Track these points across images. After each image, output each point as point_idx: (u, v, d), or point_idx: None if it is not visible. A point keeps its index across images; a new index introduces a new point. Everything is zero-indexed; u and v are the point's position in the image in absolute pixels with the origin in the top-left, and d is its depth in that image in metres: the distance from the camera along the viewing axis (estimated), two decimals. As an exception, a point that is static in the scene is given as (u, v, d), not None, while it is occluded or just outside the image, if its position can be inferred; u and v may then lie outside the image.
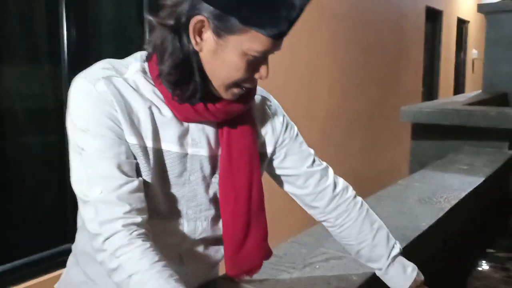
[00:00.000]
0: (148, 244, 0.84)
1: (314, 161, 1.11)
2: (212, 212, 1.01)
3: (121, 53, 1.05)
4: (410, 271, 1.15)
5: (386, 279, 1.16)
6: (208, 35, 0.85)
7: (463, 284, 2.00)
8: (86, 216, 0.86)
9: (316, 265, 1.29)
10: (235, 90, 0.91)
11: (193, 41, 0.85)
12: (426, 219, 1.71)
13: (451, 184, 2.24)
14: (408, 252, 1.25)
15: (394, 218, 1.72)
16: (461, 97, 4.44)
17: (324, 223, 1.16)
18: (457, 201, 1.98)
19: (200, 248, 1.03)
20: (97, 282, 1.01)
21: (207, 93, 0.91)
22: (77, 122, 0.87)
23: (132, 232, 0.84)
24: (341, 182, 1.14)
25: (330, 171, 1.14)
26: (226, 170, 0.98)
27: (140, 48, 0.97)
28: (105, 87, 0.86)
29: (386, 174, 5.60)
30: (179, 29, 0.86)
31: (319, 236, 1.47)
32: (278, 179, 1.12)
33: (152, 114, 0.90)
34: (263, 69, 0.90)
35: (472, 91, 10.07)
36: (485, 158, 2.92)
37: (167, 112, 0.91)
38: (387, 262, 1.14)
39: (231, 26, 0.82)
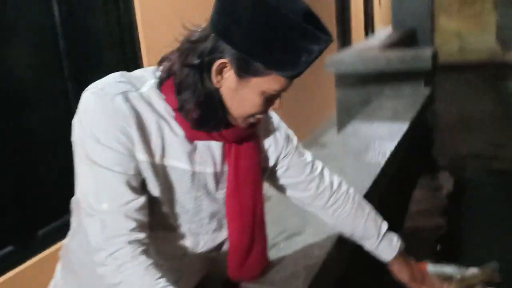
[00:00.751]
0: (150, 261, 0.89)
1: (313, 166, 1.19)
2: (213, 226, 1.06)
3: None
4: (395, 242, 1.29)
5: (375, 253, 1.29)
6: (229, 74, 0.88)
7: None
8: (90, 228, 0.89)
9: (280, 244, 1.39)
10: (251, 120, 0.96)
11: (214, 80, 0.88)
12: (366, 179, 1.86)
13: (381, 135, 2.42)
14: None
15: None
16: (376, 40, 4.64)
17: (320, 216, 1.26)
18: (389, 152, 2.16)
19: (200, 260, 1.09)
20: None
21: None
22: (90, 134, 0.87)
23: (136, 249, 0.88)
24: (335, 179, 1.24)
25: (326, 171, 1.22)
26: (233, 188, 1.03)
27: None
28: (122, 103, 0.88)
29: (314, 122, 5.83)
30: (202, 68, 0.88)
31: (274, 214, 1.56)
32: (279, 188, 1.20)
33: (163, 131, 0.93)
34: (276, 102, 0.95)
35: (381, 24, 10.49)
36: (406, 100, 3.15)
37: (178, 130, 0.94)
38: (378, 240, 1.27)
39: (254, 69, 0.86)
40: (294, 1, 0.85)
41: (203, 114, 0.91)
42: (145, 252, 0.90)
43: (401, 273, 1.29)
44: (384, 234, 1.28)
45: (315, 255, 1.33)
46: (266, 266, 1.21)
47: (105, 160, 0.87)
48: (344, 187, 1.25)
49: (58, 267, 1.15)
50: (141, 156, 0.90)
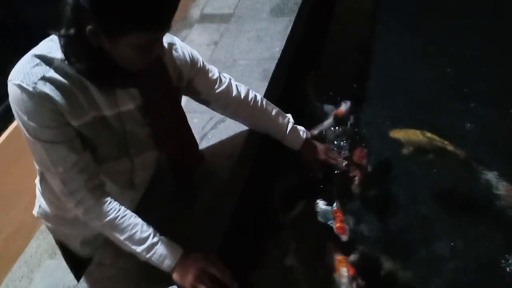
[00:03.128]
0: (109, 199, 1.20)
1: (220, 81, 1.43)
2: (150, 145, 1.32)
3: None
4: (301, 134, 1.64)
5: (285, 144, 1.64)
6: (101, 37, 1.02)
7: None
8: (55, 187, 1.18)
9: (208, 135, 1.72)
10: (142, 67, 1.11)
11: (93, 43, 1.03)
12: (277, 41, 2.10)
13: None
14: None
15: (255, 49, 2.11)
16: None
17: (235, 120, 1.58)
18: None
19: (147, 169, 1.41)
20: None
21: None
22: (29, 121, 1.07)
23: (95, 193, 1.18)
24: (243, 89, 1.50)
25: (233, 82, 1.48)
26: (154, 115, 1.27)
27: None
28: (43, 87, 1.05)
29: None
30: (81, 35, 1.02)
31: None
32: (197, 101, 1.47)
33: (83, 92, 1.12)
34: (157, 49, 1.08)
35: None
36: None
37: (94, 88, 1.13)
38: (286, 135, 1.61)
39: (115, 31, 1.00)
40: None
41: (98, 72, 1.09)
42: (103, 193, 1.21)
43: (308, 156, 1.68)
44: (291, 129, 1.62)
45: (237, 142, 1.68)
46: (200, 160, 1.55)
47: (48, 137, 1.10)
48: (251, 94, 1.53)
49: (37, 191, 1.47)
50: (74, 122, 1.13)
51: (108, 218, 1.19)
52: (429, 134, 1.85)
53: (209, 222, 1.44)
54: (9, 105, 1.10)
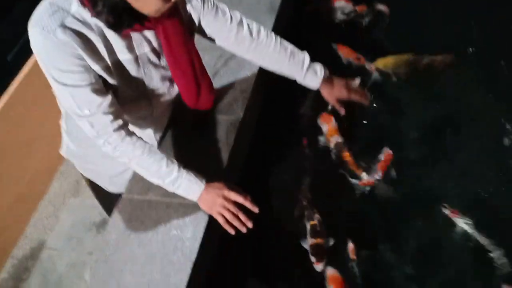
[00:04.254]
0: (135, 137, 1.28)
1: (231, 20, 1.44)
2: (166, 86, 1.39)
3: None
4: (319, 71, 1.57)
5: (304, 85, 1.60)
6: None
7: None
8: (84, 128, 1.25)
9: (220, 72, 1.77)
10: (161, 11, 1.15)
11: None
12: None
13: None
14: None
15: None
16: None
17: (249, 60, 1.54)
18: None
19: (166, 109, 1.49)
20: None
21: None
22: (52, 67, 1.13)
23: (121, 132, 1.26)
24: (255, 26, 1.50)
25: (244, 20, 1.47)
26: (169, 55, 1.32)
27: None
28: (63, 34, 1.10)
29: None
30: None
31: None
32: (208, 39, 1.48)
33: (101, 37, 1.18)
34: None
35: None
36: None
37: (110, 32, 1.19)
38: (303, 73, 1.55)
39: None
40: None
41: (116, 18, 1.14)
42: (128, 132, 1.29)
43: (328, 95, 1.63)
44: (308, 67, 1.57)
45: (247, 76, 1.73)
46: (215, 97, 1.61)
47: (72, 81, 1.17)
48: (263, 32, 1.53)
49: (63, 132, 1.54)
50: (95, 66, 1.19)
51: (135, 154, 1.28)
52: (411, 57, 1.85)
53: (227, 155, 1.52)
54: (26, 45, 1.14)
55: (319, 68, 1.58)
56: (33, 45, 1.13)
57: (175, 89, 1.44)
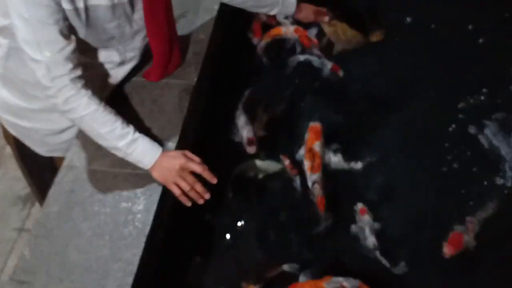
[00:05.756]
0: (90, 92, 1.16)
1: None
2: (138, 44, 1.32)
3: None
4: None
5: (283, 13, 1.66)
6: None
7: None
8: (37, 72, 1.12)
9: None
10: None
11: None
12: None
13: None
14: None
15: None
16: None
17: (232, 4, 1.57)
18: None
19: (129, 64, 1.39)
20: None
21: None
22: None
23: (77, 83, 1.14)
24: None
25: None
26: (148, 10, 1.23)
27: None
28: None
29: None
30: None
31: None
32: None
33: None
34: None
35: None
36: None
37: None
38: (281, 3, 1.59)
39: None
40: None
41: None
42: (85, 85, 1.16)
43: (306, 15, 1.70)
44: None
45: (201, 39, 1.62)
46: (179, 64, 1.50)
47: (40, 17, 1.05)
48: None
49: None
50: (67, 5, 1.09)
51: (89, 110, 1.16)
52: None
53: (181, 122, 1.41)
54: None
55: None
56: None
57: (141, 49, 1.36)
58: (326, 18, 1.74)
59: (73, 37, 1.14)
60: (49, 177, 1.31)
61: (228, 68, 1.77)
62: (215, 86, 1.69)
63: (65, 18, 1.11)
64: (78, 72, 1.15)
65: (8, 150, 1.65)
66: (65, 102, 1.14)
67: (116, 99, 1.41)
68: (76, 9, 1.11)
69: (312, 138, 1.50)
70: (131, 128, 1.21)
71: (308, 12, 1.71)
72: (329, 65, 1.74)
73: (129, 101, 1.45)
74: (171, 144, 1.35)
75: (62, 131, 1.40)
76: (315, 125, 1.53)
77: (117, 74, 1.39)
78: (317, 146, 1.48)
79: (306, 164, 1.47)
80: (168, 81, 1.49)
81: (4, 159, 2.28)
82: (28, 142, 1.46)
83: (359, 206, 1.45)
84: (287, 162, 1.54)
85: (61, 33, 1.09)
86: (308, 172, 1.46)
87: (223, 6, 1.70)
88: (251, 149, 1.56)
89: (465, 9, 1.96)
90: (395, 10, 1.98)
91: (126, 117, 1.24)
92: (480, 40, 1.89)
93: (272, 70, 1.81)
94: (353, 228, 1.43)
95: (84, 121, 1.17)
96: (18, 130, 1.43)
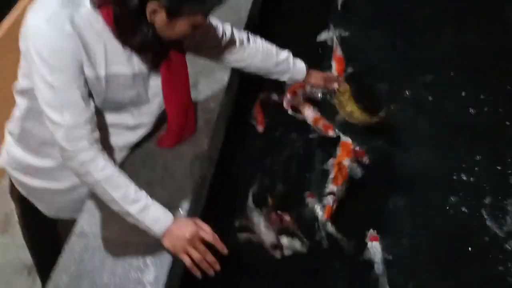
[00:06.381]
0: (106, 155, 1.18)
1: (223, 30, 1.42)
2: (153, 110, 1.34)
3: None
4: (302, 62, 1.65)
5: (291, 77, 1.65)
6: (160, 15, 1.06)
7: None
8: (57, 134, 1.13)
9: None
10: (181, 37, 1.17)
11: (148, 18, 1.06)
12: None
13: None
14: None
15: None
16: None
17: (240, 68, 1.57)
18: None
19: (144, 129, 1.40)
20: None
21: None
22: (47, 60, 1.05)
23: (95, 147, 1.16)
24: (244, 35, 1.49)
25: (234, 31, 1.47)
26: (167, 81, 1.28)
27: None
28: (71, 29, 1.06)
29: None
30: (138, 8, 1.05)
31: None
32: (197, 54, 1.46)
33: (103, 45, 1.13)
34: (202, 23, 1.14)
35: None
36: None
37: (115, 42, 1.14)
38: (291, 70, 1.62)
39: (181, 13, 1.06)
40: None
41: (141, 43, 1.13)
42: (101, 147, 1.18)
43: (316, 80, 1.72)
44: (294, 61, 1.63)
45: (211, 109, 1.66)
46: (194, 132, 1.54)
47: (62, 81, 1.08)
48: (251, 38, 1.54)
49: (8, 138, 1.36)
50: (89, 72, 1.13)
51: (105, 173, 1.16)
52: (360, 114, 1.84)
53: (191, 189, 1.42)
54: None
55: (299, 60, 1.66)
56: (31, 31, 1.06)
57: (157, 114, 1.38)
58: (336, 85, 1.77)
59: (92, 103, 1.17)
60: (49, 248, 1.30)
61: (237, 136, 1.80)
62: (225, 154, 1.70)
63: (86, 84, 1.14)
64: (96, 135, 1.17)
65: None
66: (82, 165, 1.15)
67: (128, 164, 1.43)
68: (97, 77, 1.15)
69: (343, 154, 1.68)
70: (143, 194, 1.20)
71: (317, 79, 1.74)
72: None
73: (140, 166, 1.46)
74: (182, 212, 1.35)
75: (73, 189, 1.39)
76: (347, 141, 1.71)
77: (130, 138, 1.40)
78: (346, 161, 1.66)
79: (331, 175, 1.66)
80: (180, 147, 1.51)
81: (12, 225, 2.26)
82: (36, 202, 1.45)
83: (371, 233, 1.56)
84: None
85: (83, 97, 1.12)
86: (330, 183, 1.64)
87: (233, 77, 1.76)
88: (277, 254, 1.58)
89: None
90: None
91: (138, 183, 1.25)
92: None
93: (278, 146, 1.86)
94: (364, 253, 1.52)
95: (98, 185, 1.17)
96: (28, 189, 1.42)
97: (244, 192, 1.71)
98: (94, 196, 1.26)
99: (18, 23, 1.25)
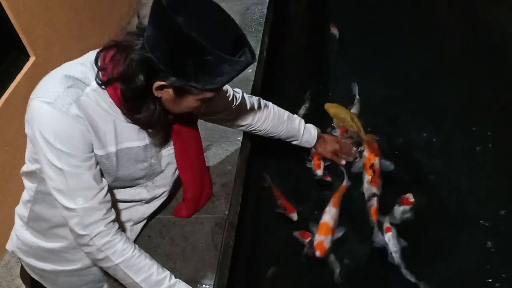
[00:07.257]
0: (125, 237, 1.10)
1: (235, 98, 1.37)
2: (168, 179, 1.27)
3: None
4: (313, 131, 1.64)
5: (300, 144, 1.64)
6: (168, 91, 0.99)
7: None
8: (71, 221, 1.05)
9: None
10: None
11: (155, 94, 0.99)
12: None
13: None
14: None
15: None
16: None
17: (250, 133, 1.54)
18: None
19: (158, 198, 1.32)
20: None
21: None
22: (55, 143, 0.98)
23: (112, 229, 1.08)
24: (255, 101, 1.46)
25: (245, 96, 1.43)
26: (180, 149, 1.22)
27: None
28: (77, 111, 0.99)
29: None
30: (144, 86, 0.98)
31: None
32: (209, 120, 1.43)
33: (112, 123, 1.06)
34: (212, 98, 1.05)
35: None
36: None
37: (124, 119, 1.07)
38: (300, 137, 1.61)
39: (190, 91, 0.97)
40: (222, 34, 0.93)
41: (148, 120, 1.05)
42: (118, 229, 1.10)
43: (324, 151, 1.71)
44: (305, 129, 1.61)
45: (228, 170, 1.58)
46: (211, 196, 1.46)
47: (72, 164, 1.00)
48: (262, 103, 1.49)
49: (17, 221, 1.27)
50: (99, 151, 1.05)
51: (125, 257, 1.08)
52: (355, 119, 1.83)
53: (216, 260, 1.32)
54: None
55: (313, 129, 1.65)
56: (37, 115, 0.97)
57: (172, 182, 1.31)
58: (343, 162, 1.75)
59: (105, 181, 1.09)
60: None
61: (257, 197, 1.73)
62: (246, 218, 1.62)
63: (97, 163, 1.07)
64: (112, 216, 1.09)
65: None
66: (99, 250, 1.06)
67: (146, 235, 1.34)
68: (107, 155, 1.08)
69: (372, 155, 1.75)
70: (167, 273, 1.13)
71: (325, 151, 1.72)
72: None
73: (160, 238, 1.37)
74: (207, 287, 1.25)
75: (86, 269, 1.29)
76: (371, 137, 1.76)
77: (145, 211, 1.32)
78: (377, 162, 1.73)
79: (366, 178, 1.73)
80: (198, 216, 1.43)
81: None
82: (48, 285, 1.35)
83: (386, 224, 1.65)
84: None
85: (94, 178, 1.04)
86: (366, 185, 1.72)
87: (245, 139, 1.71)
88: None
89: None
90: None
91: (157, 257, 1.16)
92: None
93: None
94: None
95: (118, 269, 1.08)
96: (38, 273, 1.33)
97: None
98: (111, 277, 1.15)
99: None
